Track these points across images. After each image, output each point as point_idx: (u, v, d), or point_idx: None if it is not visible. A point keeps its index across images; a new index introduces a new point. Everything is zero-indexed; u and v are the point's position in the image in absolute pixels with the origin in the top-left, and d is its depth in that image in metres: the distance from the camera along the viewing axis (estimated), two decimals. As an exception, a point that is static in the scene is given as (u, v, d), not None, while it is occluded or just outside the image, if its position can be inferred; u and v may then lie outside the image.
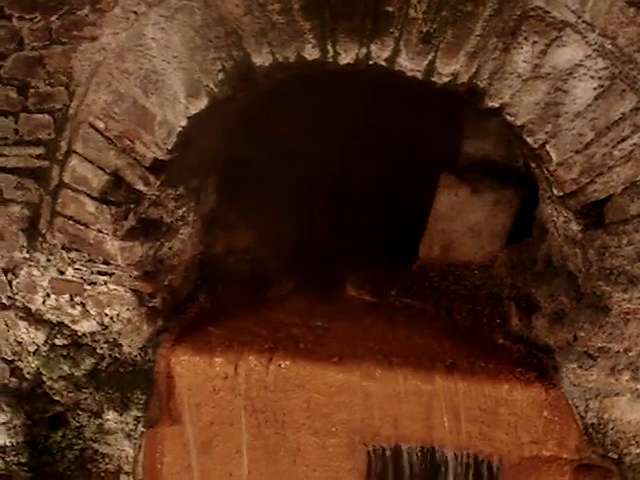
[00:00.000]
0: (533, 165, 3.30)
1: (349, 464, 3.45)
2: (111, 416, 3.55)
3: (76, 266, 3.35)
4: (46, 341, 3.51)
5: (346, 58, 2.84)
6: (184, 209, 3.61)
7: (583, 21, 2.68)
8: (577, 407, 3.17)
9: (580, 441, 3.21)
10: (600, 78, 2.72)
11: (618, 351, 3.08)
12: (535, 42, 2.71)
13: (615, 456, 3.25)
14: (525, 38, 2.72)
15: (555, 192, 3.02)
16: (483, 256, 4.26)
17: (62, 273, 3.39)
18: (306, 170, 4.26)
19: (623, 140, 2.77)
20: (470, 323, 3.70)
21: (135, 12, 2.93)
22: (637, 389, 3.13)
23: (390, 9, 2.71)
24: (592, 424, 3.19)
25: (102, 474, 3.72)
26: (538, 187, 3.62)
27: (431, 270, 4.27)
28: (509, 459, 3.32)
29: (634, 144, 2.77)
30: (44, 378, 3.55)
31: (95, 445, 3.66)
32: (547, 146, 2.86)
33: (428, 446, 3.37)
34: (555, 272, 3.50)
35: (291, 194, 4.25)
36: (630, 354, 3.06)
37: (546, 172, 3.00)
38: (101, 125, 3.11)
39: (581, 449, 3.23)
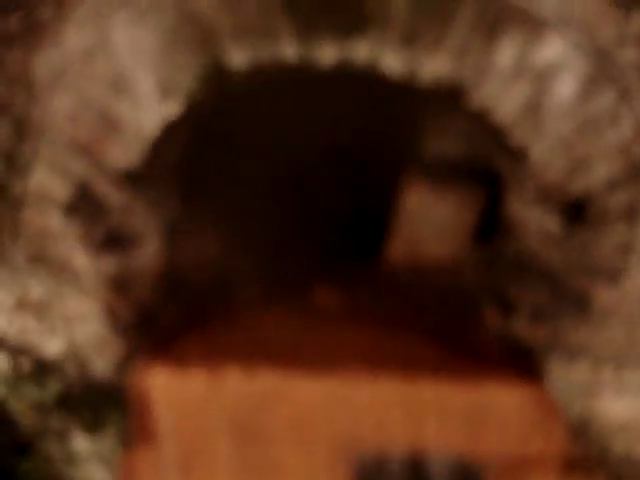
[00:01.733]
0: (505, 163, 3.29)
1: (334, 475, 3.38)
2: (83, 441, 3.44)
3: (44, 284, 3.16)
4: (11, 366, 3.30)
5: (326, 59, 2.76)
6: (152, 219, 3.48)
7: (563, 18, 2.66)
8: (562, 404, 3.16)
9: (565, 438, 3.23)
10: (581, 75, 2.71)
11: (600, 347, 3.09)
12: (517, 40, 2.68)
13: (599, 450, 3.28)
14: (507, 36, 2.69)
15: (533, 191, 3.01)
16: (450, 255, 4.27)
17: (27, 291, 3.19)
18: (272, 172, 4.18)
19: (604, 136, 2.77)
20: (447, 325, 3.68)
21: (102, 13, 2.77)
22: (620, 384, 3.15)
23: (371, 6, 2.65)
24: (577, 420, 3.22)
25: (73, 501, 3.54)
26: (505, 185, 3.61)
27: (399, 271, 4.25)
28: (495, 459, 3.32)
29: (614, 140, 2.78)
30: (10, 405, 3.36)
31: (66, 471, 3.52)
32: (529, 145, 2.84)
33: (414, 452, 3.32)
34: (529, 269, 3.51)
35: (257, 197, 4.15)
36: (612, 349, 3.11)
37: (524, 171, 2.99)
38: (66, 132, 2.97)
39: (567, 446, 3.24)
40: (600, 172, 2.85)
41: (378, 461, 3.37)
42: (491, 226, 4.04)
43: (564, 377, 3.17)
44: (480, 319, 3.66)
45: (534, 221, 3.30)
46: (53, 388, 3.38)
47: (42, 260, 3.21)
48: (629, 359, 3.12)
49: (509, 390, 3.15)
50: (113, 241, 3.27)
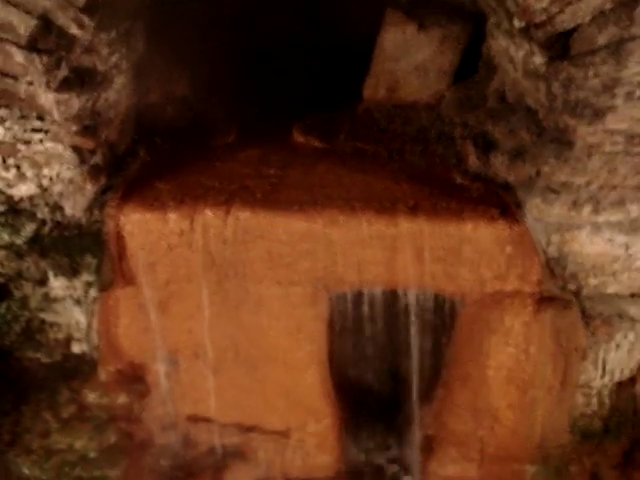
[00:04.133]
0: (490, -3, 3.21)
1: (312, 312, 3.58)
2: (58, 283, 3.52)
3: (7, 125, 3.19)
4: (-19, 210, 3.32)
5: None
6: (117, 56, 3.45)
7: None
8: (539, 242, 3.28)
9: (542, 275, 3.41)
10: None
11: (580, 185, 3.23)
12: None
13: (574, 287, 3.51)
14: None
15: (518, 24, 2.96)
16: (430, 95, 4.26)
17: (-8, 134, 3.17)
18: (243, 13, 4.04)
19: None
20: (425, 165, 3.75)
21: None
22: (597, 222, 3.31)
23: None
24: (553, 257, 3.40)
25: (52, 344, 3.69)
26: (489, 21, 3.53)
27: (378, 112, 4.27)
28: (472, 296, 3.51)
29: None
30: (-17, 250, 3.40)
31: (42, 315, 3.66)
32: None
33: (391, 289, 3.45)
34: (511, 108, 3.56)
35: (227, 39, 4.03)
36: (592, 188, 3.22)
37: (510, 3, 2.91)
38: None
39: (543, 282, 3.44)
40: (589, 4, 2.79)
41: (355, 298, 3.50)
42: (472, 66, 3.98)
43: (542, 215, 3.27)
44: (460, 158, 3.70)
45: (518, 57, 3.28)
46: (25, 231, 3.42)
47: (6, 100, 3.14)
48: (609, 198, 3.22)
49: (486, 227, 3.28)
50: (78, 79, 3.21)
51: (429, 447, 4.03)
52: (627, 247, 3.33)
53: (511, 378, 3.64)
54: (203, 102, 4.06)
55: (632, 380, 3.79)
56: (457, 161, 3.72)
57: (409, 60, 4.16)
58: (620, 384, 3.76)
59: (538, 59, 3.06)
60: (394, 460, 4.14)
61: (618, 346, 3.60)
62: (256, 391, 3.77)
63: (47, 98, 3.11)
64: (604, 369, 3.68)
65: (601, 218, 3.26)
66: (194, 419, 3.87)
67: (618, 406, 3.80)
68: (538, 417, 3.73)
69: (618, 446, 3.86)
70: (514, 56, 3.33)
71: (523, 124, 3.34)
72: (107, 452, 3.73)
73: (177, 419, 3.84)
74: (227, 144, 3.97)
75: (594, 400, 3.76)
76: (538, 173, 3.22)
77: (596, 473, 3.87)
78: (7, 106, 3.14)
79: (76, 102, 3.18)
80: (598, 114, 2.97)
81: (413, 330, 3.56)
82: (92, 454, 3.73)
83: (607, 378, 3.72)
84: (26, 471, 3.62)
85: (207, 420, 3.86)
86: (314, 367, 3.71)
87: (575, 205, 3.23)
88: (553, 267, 3.38)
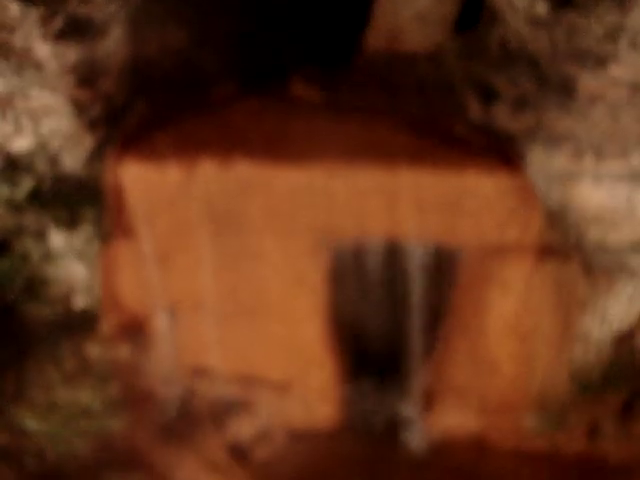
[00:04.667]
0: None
1: (312, 264, 3.62)
2: (58, 237, 3.54)
3: (4, 78, 3.10)
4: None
5: None
6: (113, 5, 3.38)
7: None
8: (541, 193, 3.28)
9: (542, 226, 3.40)
10: None
11: (582, 135, 3.24)
12: None
13: (575, 239, 3.52)
14: None
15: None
16: (430, 46, 4.19)
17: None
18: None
19: None
20: (426, 115, 3.73)
21: None
22: (599, 173, 3.31)
23: None
24: (554, 209, 3.41)
25: (54, 298, 3.73)
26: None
27: (378, 63, 4.21)
28: (472, 247, 3.53)
29: None
30: (-18, 206, 3.40)
31: (44, 269, 3.70)
32: None
33: (391, 240, 3.47)
34: (513, 58, 3.53)
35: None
36: (594, 138, 3.23)
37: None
38: None
39: (543, 234, 3.40)
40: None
41: (355, 250, 3.52)
42: (474, 15, 3.93)
43: (544, 165, 3.26)
44: (461, 107, 3.68)
45: (521, 5, 3.23)
46: (25, 185, 3.41)
47: (3, 53, 3.11)
48: (610, 148, 3.21)
49: (488, 177, 3.28)
50: (74, 29, 3.17)
51: (429, 398, 4.07)
52: (628, 198, 3.32)
53: (511, 329, 3.67)
54: (201, 54, 4.01)
55: (631, 332, 3.82)
56: (458, 112, 3.68)
57: (409, 8, 4.11)
58: (619, 336, 3.78)
59: (541, 7, 3.02)
60: (394, 410, 4.19)
61: (618, 297, 3.62)
62: (257, 343, 3.80)
63: (43, 50, 3.08)
64: (604, 320, 3.70)
65: (603, 168, 3.26)
66: (196, 371, 3.91)
67: (617, 358, 3.83)
68: (537, 368, 3.77)
69: (617, 397, 3.90)
70: (517, 4, 3.29)
71: (525, 74, 3.31)
72: (110, 404, 3.77)
73: (179, 371, 3.88)
74: (226, 96, 3.93)
75: (593, 351, 3.79)
76: (540, 123, 3.21)
77: (595, 424, 3.91)
78: (4, 59, 3.12)
79: (72, 53, 3.15)
80: (601, 62, 2.95)
81: (413, 281, 3.57)
82: (95, 407, 3.77)
83: (607, 329, 3.74)
84: (30, 424, 3.66)
85: (209, 372, 3.90)
86: (315, 319, 3.74)
87: (577, 155, 3.22)
88: (554, 218, 3.38)
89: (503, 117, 3.42)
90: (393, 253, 3.55)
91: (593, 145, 3.19)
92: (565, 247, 3.48)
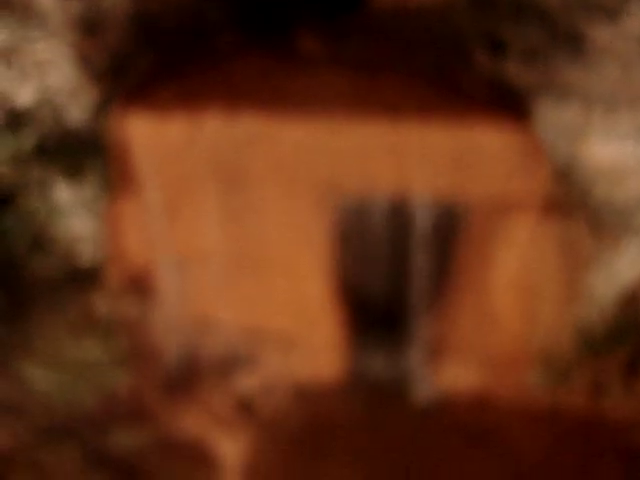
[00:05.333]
0: None
1: (317, 220, 3.60)
2: (64, 192, 3.55)
3: (9, 29, 3.09)
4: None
5: None
6: (117, -44, 3.31)
7: None
8: (548, 148, 3.26)
9: (549, 180, 3.37)
10: None
11: (593, 89, 3.17)
12: None
13: (582, 195, 3.49)
14: None
15: None
16: (439, -1, 4.10)
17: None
18: None
19: None
20: (433, 69, 3.68)
21: None
22: (608, 128, 3.27)
23: None
24: (562, 164, 3.38)
25: (60, 252, 3.71)
26: None
27: (385, 17, 4.15)
28: (478, 203, 3.49)
29: None
30: (-13, 159, 3.40)
31: (50, 223, 3.66)
32: None
33: (397, 196, 3.46)
34: (523, 10, 3.46)
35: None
36: (604, 92, 3.16)
37: None
38: None
39: (550, 189, 3.37)
40: None
41: (361, 205, 3.52)
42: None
43: (552, 120, 3.25)
44: (469, 61, 3.65)
45: (532, -45, 3.20)
46: (29, 139, 3.41)
47: (6, 5, 3.09)
48: (620, 101, 3.20)
49: (495, 132, 3.27)
50: (78, -22, 3.15)
51: (433, 353, 4.10)
52: (637, 153, 3.31)
53: (515, 285, 3.68)
54: (205, 3, 3.98)
55: (636, 290, 3.82)
56: (466, 65, 3.66)
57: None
58: (624, 293, 3.78)
59: (552, -43, 3.00)
60: (399, 366, 4.22)
61: (623, 255, 3.62)
62: (262, 297, 3.83)
63: (47, 0, 3.07)
64: (609, 278, 3.70)
65: (612, 123, 3.24)
66: (201, 325, 3.94)
67: (622, 315, 3.83)
68: (541, 324, 3.78)
69: (621, 355, 3.91)
70: (527, -44, 3.25)
71: (535, 26, 3.28)
72: (116, 358, 3.81)
73: (185, 325, 3.91)
74: (230, 50, 3.90)
75: (598, 309, 3.80)
76: (549, 77, 3.19)
77: (598, 380, 3.94)
78: (7, 10, 3.10)
79: (77, 4, 3.14)
80: (612, 15, 2.93)
81: (418, 237, 3.57)
82: (102, 360, 3.81)
83: (611, 287, 3.74)
84: (37, 378, 3.69)
85: (214, 326, 3.93)
86: (319, 274, 3.76)
87: (586, 109, 3.20)
88: (561, 174, 3.37)
89: (512, 70, 3.39)
90: (398, 209, 3.54)
91: (603, 100, 3.17)
92: (571, 204, 3.47)
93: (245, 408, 3.90)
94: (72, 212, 3.62)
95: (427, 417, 4.03)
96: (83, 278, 3.79)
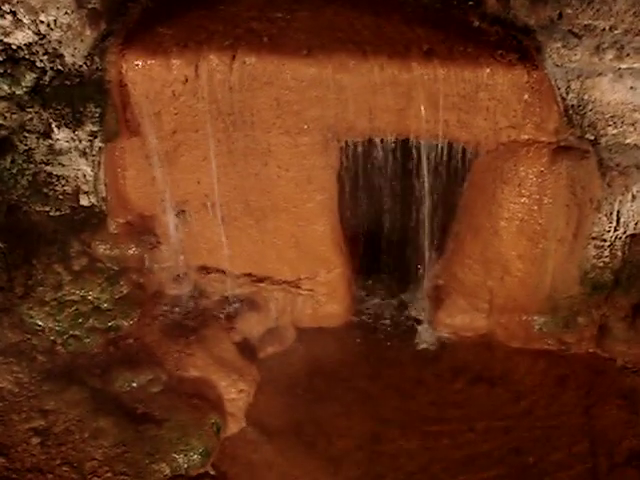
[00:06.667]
0: None
1: (322, 161, 3.60)
2: (62, 135, 3.51)
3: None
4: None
5: None
6: None
7: None
8: (558, 89, 3.27)
9: (559, 123, 3.42)
10: None
11: (604, 29, 3.18)
12: None
13: (592, 137, 3.50)
14: None
15: None
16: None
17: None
18: None
19: None
20: (441, 7, 3.66)
21: None
22: (620, 69, 3.27)
23: None
24: (572, 105, 3.38)
25: (60, 197, 3.71)
26: None
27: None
28: (486, 145, 3.52)
29: None
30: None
31: (48, 168, 3.66)
32: None
33: (403, 137, 3.45)
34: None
35: None
36: (616, 32, 3.17)
37: None
38: None
39: (560, 131, 3.44)
40: None
41: (366, 147, 3.49)
42: None
43: (563, 60, 3.22)
44: (478, 1, 3.57)
45: None
46: (26, 81, 3.36)
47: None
48: (632, 43, 3.14)
49: (504, 73, 3.22)
50: None
51: (439, 297, 4.12)
52: (650, 95, 3.28)
53: (523, 229, 3.66)
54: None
55: (645, 234, 3.82)
56: (475, 3, 3.59)
57: None
58: (633, 237, 3.78)
59: None
60: (404, 310, 4.26)
61: (634, 198, 3.60)
62: (266, 242, 3.82)
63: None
64: (618, 221, 3.69)
65: (624, 64, 3.19)
66: (205, 270, 3.94)
67: (630, 259, 3.83)
68: (548, 268, 3.78)
69: (628, 299, 3.93)
70: None
71: (547, -37, 3.21)
72: (119, 303, 3.82)
73: (188, 270, 3.92)
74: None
75: (606, 252, 3.79)
76: (560, 15, 3.12)
77: (604, 325, 3.96)
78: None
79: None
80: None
81: (425, 180, 3.55)
82: (105, 305, 3.82)
83: (621, 230, 3.74)
84: (40, 323, 3.71)
85: (218, 271, 3.93)
86: (324, 217, 3.75)
87: (598, 50, 3.15)
88: (571, 116, 3.33)
89: (522, 8, 3.30)
90: (405, 150, 3.52)
91: (615, 40, 3.11)
92: (581, 146, 3.43)
93: (249, 351, 3.94)
94: (71, 155, 3.57)
95: (432, 360, 4.07)
96: (84, 222, 3.77)
